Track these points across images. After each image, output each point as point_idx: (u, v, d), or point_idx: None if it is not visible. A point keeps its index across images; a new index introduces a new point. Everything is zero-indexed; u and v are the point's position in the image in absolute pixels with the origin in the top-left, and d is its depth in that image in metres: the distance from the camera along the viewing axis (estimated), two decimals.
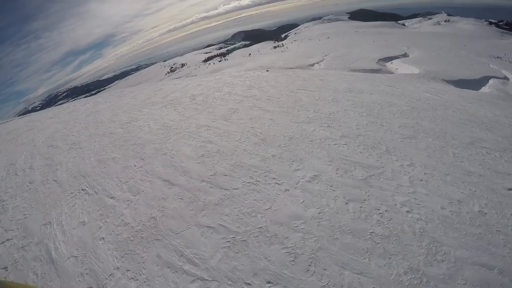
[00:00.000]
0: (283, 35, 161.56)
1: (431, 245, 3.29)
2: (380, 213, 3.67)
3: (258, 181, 4.34)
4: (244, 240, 3.32)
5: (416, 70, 25.26)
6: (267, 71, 17.09)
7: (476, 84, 22.66)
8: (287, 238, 3.31)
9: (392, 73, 26.59)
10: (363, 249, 3.20)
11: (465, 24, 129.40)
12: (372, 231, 3.41)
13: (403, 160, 4.97)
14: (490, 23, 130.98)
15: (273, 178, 4.37)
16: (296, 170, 4.59)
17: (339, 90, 9.08)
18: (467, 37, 69.80)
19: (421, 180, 4.42)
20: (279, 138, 5.68)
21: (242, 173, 4.57)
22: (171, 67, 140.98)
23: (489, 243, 3.61)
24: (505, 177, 5.01)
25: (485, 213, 3.83)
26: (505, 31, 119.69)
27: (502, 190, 4.64)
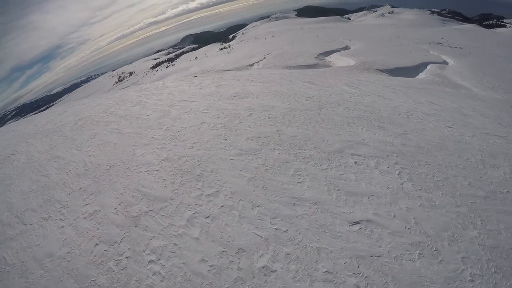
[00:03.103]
0: (231, 36, 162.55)
1: None
2: (119, 259, 3.44)
3: (50, 216, 4.44)
4: (9, 272, 3.61)
5: (352, 62, 25.56)
6: (196, 76, 16.49)
7: (413, 71, 23.19)
8: (32, 273, 3.50)
9: (330, 66, 26.78)
10: None
11: (408, 15, 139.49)
12: (95, 279, 3.25)
13: (208, 188, 4.41)
14: (433, 12, 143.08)
15: (62, 214, 4.44)
16: (86, 204, 4.54)
17: (225, 96, 8.56)
18: (409, 27, 74.92)
19: (206, 217, 3.85)
20: (101, 168, 5.54)
21: (46, 208, 4.66)
22: (119, 77, 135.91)
23: None
24: (359, 202, 3.86)
25: (273, 271, 3.03)
26: (447, 18, 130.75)
27: (340, 226, 3.50)
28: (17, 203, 5.03)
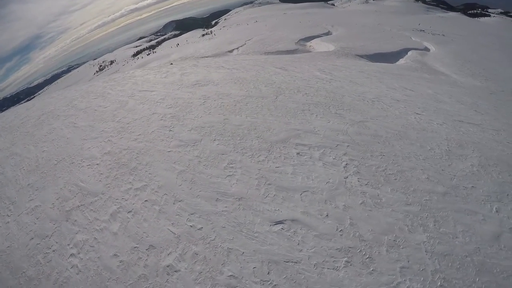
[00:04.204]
0: (213, 22, 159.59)
1: None
2: (47, 252, 3.59)
3: (0, 213, 4.56)
4: None
5: (331, 47, 25.38)
6: (171, 64, 16.00)
7: (393, 57, 23.10)
8: None
9: (310, 52, 26.57)
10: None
11: (392, 1, 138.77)
12: (25, 270, 3.43)
13: (138, 182, 4.31)
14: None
15: (9, 210, 4.58)
16: (30, 200, 4.63)
17: (186, 84, 8.27)
18: (393, 14, 74.92)
19: (129, 212, 3.80)
20: (49, 163, 5.53)
21: None
22: (100, 66, 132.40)
23: None
24: (289, 198, 3.50)
25: (177, 271, 2.92)
26: (431, 6, 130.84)
27: (260, 225, 3.20)
28: None
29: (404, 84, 9.66)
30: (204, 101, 6.67)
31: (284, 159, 4.22)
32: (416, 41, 29.95)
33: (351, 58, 20.00)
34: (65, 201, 4.33)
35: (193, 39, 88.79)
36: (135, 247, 3.26)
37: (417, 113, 6.20)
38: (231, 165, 4.19)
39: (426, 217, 3.14)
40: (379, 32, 36.94)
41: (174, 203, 3.72)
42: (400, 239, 2.90)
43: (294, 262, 2.73)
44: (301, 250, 2.84)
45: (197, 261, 2.92)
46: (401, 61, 21.57)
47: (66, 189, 4.60)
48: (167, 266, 2.95)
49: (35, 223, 4.09)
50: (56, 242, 3.67)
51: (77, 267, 3.26)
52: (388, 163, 4.10)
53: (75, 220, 3.91)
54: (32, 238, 3.85)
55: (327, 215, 3.20)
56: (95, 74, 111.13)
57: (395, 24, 47.25)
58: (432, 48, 26.72)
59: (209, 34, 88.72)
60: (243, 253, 2.88)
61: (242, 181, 3.85)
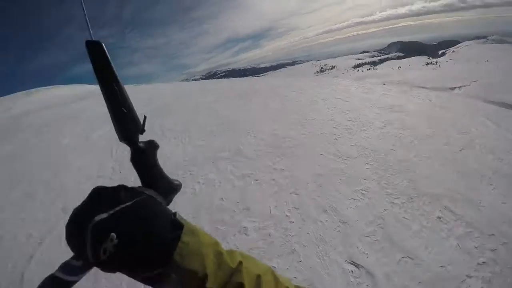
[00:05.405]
0: (440, 52, 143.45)
1: None
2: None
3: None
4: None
5: None
6: (384, 84, 16.17)
7: None
8: None
9: None
10: None
11: None
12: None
13: (278, 164, 4.88)
14: None
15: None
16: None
17: (380, 105, 8.05)
18: None
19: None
20: (230, 123, 6.85)
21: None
22: (321, 68, 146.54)
23: None
24: (386, 251, 3.08)
25: None
26: None
27: (333, 261, 2.97)
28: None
29: None
30: (384, 125, 6.48)
31: (419, 215, 3.64)
32: None
33: None
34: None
35: (416, 65, 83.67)
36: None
37: None
38: (363, 191, 4.05)
39: None
40: None
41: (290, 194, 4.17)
42: None
43: None
44: None
45: None
46: None
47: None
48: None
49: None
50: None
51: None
52: None
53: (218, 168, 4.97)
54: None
55: None
56: (315, 74, 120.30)
57: None
58: None
59: (433, 64, 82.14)
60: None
61: (360, 209, 3.72)
